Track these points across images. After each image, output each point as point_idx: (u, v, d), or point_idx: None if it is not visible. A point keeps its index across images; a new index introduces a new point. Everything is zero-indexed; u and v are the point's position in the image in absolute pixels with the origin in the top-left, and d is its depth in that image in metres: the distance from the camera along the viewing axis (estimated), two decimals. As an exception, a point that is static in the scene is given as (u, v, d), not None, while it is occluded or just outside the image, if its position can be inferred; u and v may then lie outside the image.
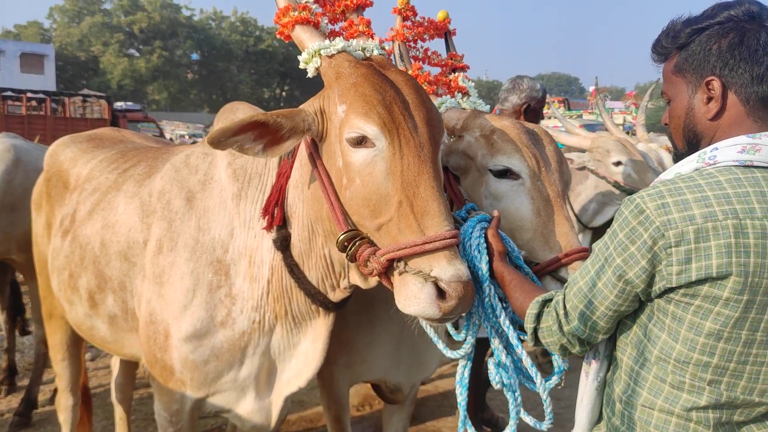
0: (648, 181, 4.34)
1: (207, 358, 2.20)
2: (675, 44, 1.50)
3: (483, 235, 1.85)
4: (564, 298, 1.52)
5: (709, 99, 1.45)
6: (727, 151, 1.39)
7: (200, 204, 2.26)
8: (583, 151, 4.55)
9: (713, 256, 1.29)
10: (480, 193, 2.15)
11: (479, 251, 1.82)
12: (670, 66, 1.54)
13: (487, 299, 1.81)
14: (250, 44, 50.31)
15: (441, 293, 1.65)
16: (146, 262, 2.32)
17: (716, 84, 1.44)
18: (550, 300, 1.58)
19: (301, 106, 1.96)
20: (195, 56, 49.33)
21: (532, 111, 4.00)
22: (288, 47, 50.39)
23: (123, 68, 43.60)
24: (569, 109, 13.01)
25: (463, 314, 1.81)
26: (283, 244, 2.08)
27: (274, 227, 2.09)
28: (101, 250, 2.53)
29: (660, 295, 1.39)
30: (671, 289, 1.36)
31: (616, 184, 4.36)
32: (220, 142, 1.80)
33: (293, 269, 2.09)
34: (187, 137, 26.59)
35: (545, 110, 12.54)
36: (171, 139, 22.64)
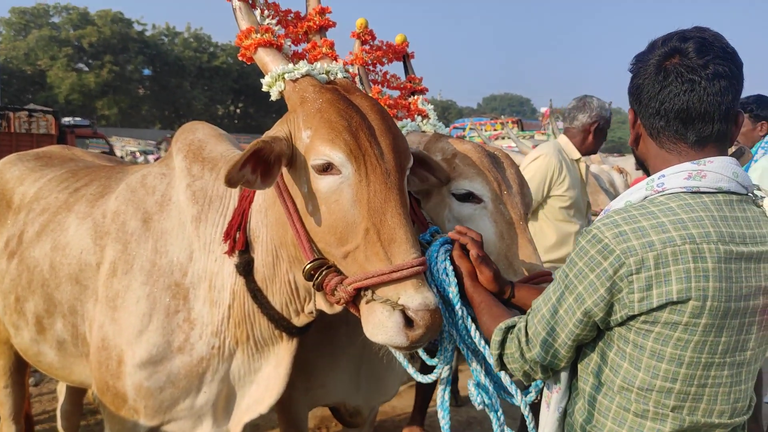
0: (600, 203, 4.47)
1: (162, 385, 2.12)
2: (630, 69, 1.58)
3: (449, 257, 1.85)
4: (526, 324, 1.53)
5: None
6: (674, 178, 1.43)
7: (157, 226, 2.20)
8: None
9: (673, 282, 1.31)
10: (443, 217, 2.16)
11: (447, 274, 1.82)
12: None
13: (460, 321, 1.81)
14: (203, 60, 49.77)
15: (409, 321, 1.65)
16: (99, 286, 2.24)
17: (631, 114, 1.56)
18: (514, 326, 1.59)
19: (271, 130, 1.92)
20: (147, 71, 48.56)
21: (600, 131, 4.00)
22: (242, 64, 49.57)
23: (71, 83, 42.54)
24: (522, 130, 13.25)
25: (436, 339, 1.80)
26: (246, 268, 2.04)
27: (236, 252, 2.05)
28: (50, 273, 2.43)
29: (620, 324, 1.40)
30: (632, 317, 1.37)
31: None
32: (233, 178, 1.75)
33: (256, 294, 2.04)
34: (138, 153, 26.08)
35: (498, 130, 12.78)
36: (121, 156, 22.13)
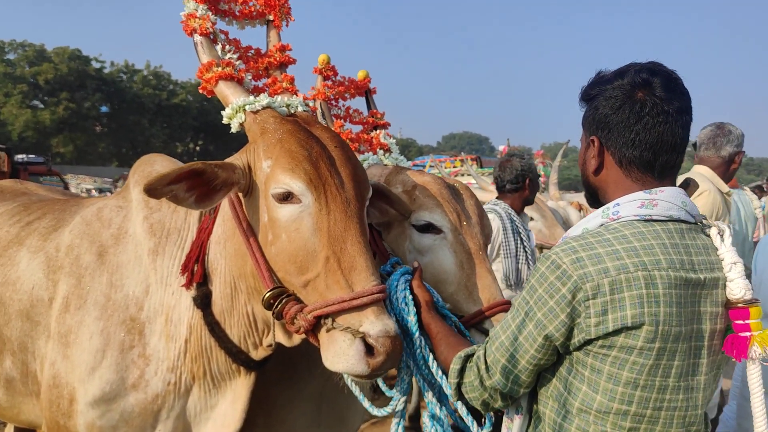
0: (557, 236, 4.57)
1: (116, 424, 2.06)
2: (584, 98, 1.62)
3: (408, 287, 1.87)
4: (485, 352, 1.54)
5: (594, 154, 1.58)
6: (627, 206, 1.48)
7: (113, 259, 2.16)
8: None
9: (627, 307, 1.36)
10: (404, 248, 2.17)
11: (406, 303, 1.83)
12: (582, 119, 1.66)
13: (418, 350, 1.81)
14: (163, 98, 49.41)
15: (369, 349, 1.65)
16: (51, 322, 2.18)
17: (596, 143, 1.56)
18: (473, 354, 1.60)
19: (229, 160, 1.93)
20: (104, 109, 47.92)
21: (739, 156, 3.86)
22: (202, 101, 50.09)
23: (26, 120, 41.64)
24: (481, 167, 13.44)
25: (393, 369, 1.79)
26: (204, 301, 2.02)
27: (194, 284, 2.03)
28: None
29: (579, 348, 1.43)
30: (589, 341, 1.40)
31: None
32: (156, 189, 1.74)
33: (214, 327, 2.02)
34: (94, 191, 25.57)
35: (458, 167, 12.97)
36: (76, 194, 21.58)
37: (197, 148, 53.77)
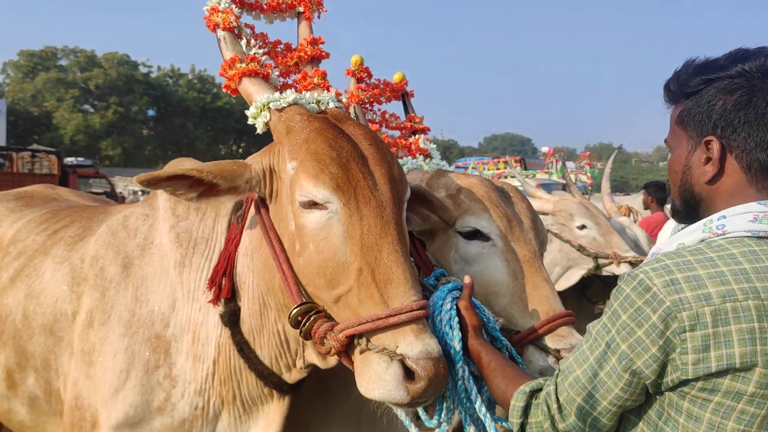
0: (614, 244, 4.28)
1: None
2: (683, 91, 1.37)
3: (455, 306, 1.67)
4: (557, 389, 1.31)
5: (708, 159, 1.32)
6: (737, 220, 1.25)
7: (138, 272, 2.03)
8: (545, 213, 4.48)
9: (735, 343, 1.13)
10: (449, 258, 2.00)
11: (451, 326, 1.63)
12: (675, 113, 1.41)
13: (460, 382, 1.61)
14: (207, 101, 50.40)
15: (409, 373, 1.46)
16: (75, 338, 2.06)
17: (715, 146, 1.30)
18: (539, 390, 1.37)
19: (248, 160, 1.80)
20: (151, 112, 49.09)
21: None
22: (246, 105, 50.71)
23: (77, 124, 43.00)
24: (526, 168, 13.18)
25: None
26: (232, 319, 1.86)
27: (222, 300, 1.88)
28: (23, 323, 2.24)
29: (672, 388, 1.21)
30: (686, 382, 1.18)
31: (580, 248, 4.29)
32: (150, 183, 1.67)
33: (243, 348, 1.86)
34: (140, 193, 26.15)
35: (501, 170, 12.72)
36: (121, 194, 22.12)
37: (240, 150, 54.58)
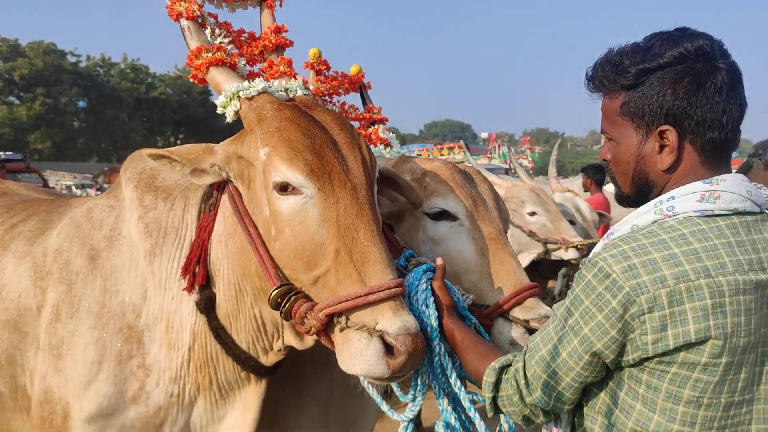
0: (562, 230, 4.44)
1: None
2: (620, 83, 1.38)
3: (430, 287, 1.73)
4: (524, 365, 1.39)
5: (662, 147, 1.35)
6: (685, 200, 1.31)
7: (106, 263, 2.01)
8: None
9: (690, 321, 1.20)
10: (418, 239, 2.06)
11: (427, 305, 1.69)
12: (613, 105, 1.41)
13: (437, 358, 1.67)
14: (141, 91, 48.78)
15: (388, 349, 1.51)
16: (41, 332, 2.02)
17: (671, 135, 1.33)
18: (509, 365, 1.45)
19: (215, 146, 1.83)
20: (81, 104, 47.20)
21: None
22: (182, 94, 49.59)
23: (1, 116, 40.96)
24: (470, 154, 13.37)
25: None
26: (207, 305, 1.88)
27: (196, 287, 1.89)
28: None
29: (633, 365, 1.28)
30: (646, 359, 1.25)
31: (531, 234, 4.44)
32: (153, 159, 1.84)
33: (219, 333, 1.88)
34: (74, 188, 25.18)
35: (445, 155, 12.86)
36: (54, 190, 21.26)
37: (178, 141, 53.23)
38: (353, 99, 2.80)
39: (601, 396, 1.36)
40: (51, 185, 22.25)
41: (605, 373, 1.34)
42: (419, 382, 1.72)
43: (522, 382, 1.39)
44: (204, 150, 1.83)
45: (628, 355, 1.26)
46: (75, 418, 1.91)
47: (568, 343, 1.31)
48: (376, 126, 2.72)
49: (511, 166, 11.87)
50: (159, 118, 49.76)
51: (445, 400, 1.73)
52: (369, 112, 2.76)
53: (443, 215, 2.02)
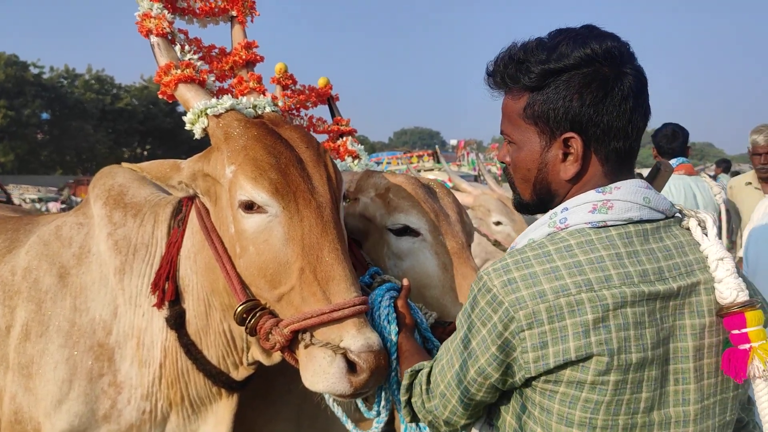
0: None
1: None
2: (523, 83, 1.28)
3: (392, 304, 1.76)
4: (429, 371, 1.37)
5: (566, 155, 1.28)
6: (577, 212, 1.24)
7: (76, 281, 2.00)
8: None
9: (570, 338, 1.12)
10: (383, 255, 2.08)
11: (389, 321, 1.72)
12: (516, 106, 1.32)
13: (393, 373, 1.70)
14: (106, 103, 48.08)
15: (351, 366, 1.54)
16: (10, 351, 2.00)
17: (576, 143, 1.25)
18: (422, 370, 1.43)
19: (182, 164, 1.85)
20: (45, 116, 46.31)
21: None
22: (149, 105, 48.96)
23: (-38, 129, 40.11)
24: (438, 162, 13.47)
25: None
26: (177, 321, 1.89)
27: (166, 303, 1.89)
28: None
29: (524, 385, 1.22)
30: (532, 378, 1.19)
31: (495, 243, 4.50)
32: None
33: (190, 349, 1.89)
34: (39, 201, 24.70)
35: (414, 164, 12.95)
36: (19, 204, 20.85)
37: (145, 153, 52.55)
38: (321, 111, 2.83)
39: (507, 419, 1.30)
40: (15, 200, 21.84)
41: (498, 395, 1.29)
42: (383, 397, 1.74)
43: (424, 387, 1.37)
44: (171, 167, 1.85)
45: (515, 375, 1.20)
46: None
47: (460, 355, 1.26)
48: (344, 138, 2.74)
49: (480, 174, 12.00)
50: (125, 129, 49.06)
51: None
52: (337, 125, 2.78)
53: (406, 231, 2.04)
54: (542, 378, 1.17)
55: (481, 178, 11.03)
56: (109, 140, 48.60)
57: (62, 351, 1.93)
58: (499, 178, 12.97)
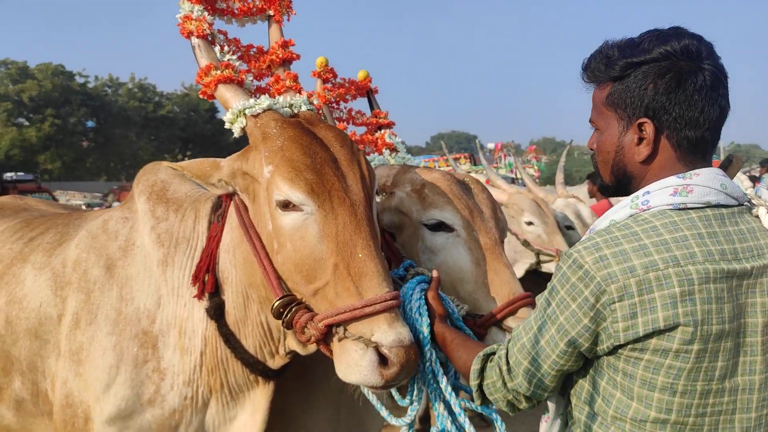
0: (556, 244, 4.47)
1: None
2: (608, 74, 1.43)
3: (423, 296, 1.81)
4: (507, 353, 1.45)
5: (640, 140, 1.40)
6: (659, 194, 1.35)
7: (122, 272, 2.10)
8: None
9: (659, 309, 1.24)
10: (417, 249, 2.12)
11: (420, 314, 1.77)
12: (601, 95, 1.47)
13: (428, 364, 1.75)
14: (149, 110, 49.15)
15: (383, 359, 1.60)
16: (61, 339, 2.11)
17: (649, 128, 1.38)
18: (494, 354, 1.51)
19: (221, 162, 1.92)
20: (90, 124, 47.58)
21: None
22: (189, 112, 49.91)
23: (11, 138, 41.34)
24: (475, 164, 13.41)
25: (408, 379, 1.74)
26: (217, 312, 1.96)
27: (206, 294, 1.97)
28: (6, 329, 2.28)
29: (608, 353, 1.32)
30: (619, 346, 1.30)
31: (525, 243, 4.47)
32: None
33: (229, 338, 1.97)
34: (84, 207, 25.43)
35: (449, 167, 12.93)
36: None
37: (186, 159, 53.27)
38: (360, 104, 2.87)
39: (585, 386, 1.40)
40: (61, 204, 22.49)
41: (582, 362, 1.38)
42: (415, 388, 1.80)
43: (504, 368, 1.45)
44: (211, 165, 1.92)
45: (603, 343, 1.31)
46: (96, 420, 2.00)
47: (546, 331, 1.36)
48: (382, 131, 2.79)
49: (518, 176, 11.93)
50: (167, 136, 50.08)
51: (441, 405, 1.80)
52: (376, 117, 2.82)
53: (440, 226, 2.08)
54: (629, 346, 1.28)
55: (519, 180, 10.97)
56: (152, 147, 49.64)
57: (110, 338, 2.02)
58: (537, 181, 12.90)
